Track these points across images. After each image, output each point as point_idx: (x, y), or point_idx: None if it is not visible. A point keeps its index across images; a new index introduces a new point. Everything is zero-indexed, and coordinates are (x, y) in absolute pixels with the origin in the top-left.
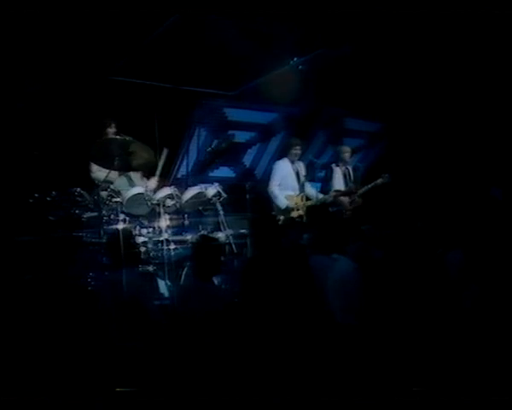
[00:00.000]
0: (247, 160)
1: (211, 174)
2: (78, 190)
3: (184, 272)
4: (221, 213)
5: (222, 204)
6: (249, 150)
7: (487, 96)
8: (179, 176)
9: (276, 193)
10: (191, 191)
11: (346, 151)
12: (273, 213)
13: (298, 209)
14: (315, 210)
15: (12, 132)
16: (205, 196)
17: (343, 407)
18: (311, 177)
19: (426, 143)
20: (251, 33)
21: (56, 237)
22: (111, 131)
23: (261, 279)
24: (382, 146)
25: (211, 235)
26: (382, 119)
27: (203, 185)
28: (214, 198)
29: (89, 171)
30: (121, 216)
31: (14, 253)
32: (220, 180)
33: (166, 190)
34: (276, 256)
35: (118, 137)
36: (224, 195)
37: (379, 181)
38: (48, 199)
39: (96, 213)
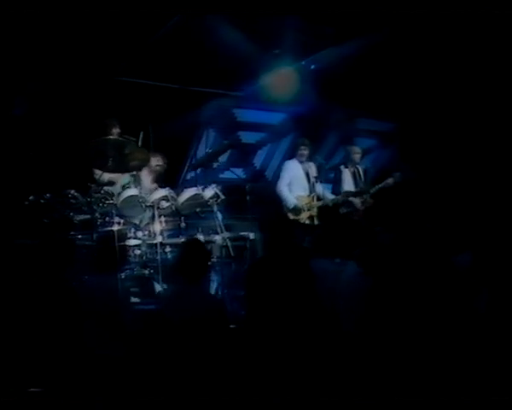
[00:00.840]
0: (258, 161)
1: (221, 175)
2: (72, 192)
3: None
4: (218, 215)
5: (220, 206)
6: (259, 151)
7: (499, 98)
8: (188, 177)
9: (284, 192)
10: (187, 193)
11: (357, 152)
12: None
13: (309, 210)
14: (327, 211)
15: (8, 133)
16: (202, 197)
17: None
18: (320, 179)
19: (437, 144)
20: (260, 33)
21: (51, 239)
22: (115, 131)
23: (265, 282)
24: (394, 147)
25: (197, 237)
26: (394, 119)
27: (200, 187)
28: (211, 200)
29: (92, 172)
30: (116, 219)
31: (10, 256)
32: (229, 181)
33: (161, 192)
34: (280, 259)
35: (111, 137)
36: (222, 196)
37: (390, 181)
38: (42, 201)
39: (89, 216)
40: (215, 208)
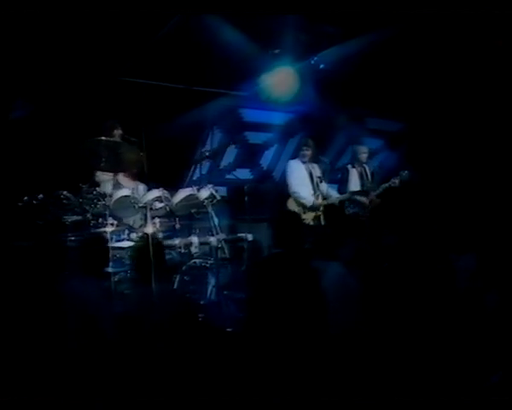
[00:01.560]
0: (265, 161)
1: (227, 176)
2: (65, 193)
3: (178, 279)
4: (214, 216)
5: (215, 207)
6: (266, 152)
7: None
8: (195, 178)
9: (300, 192)
10: (181, 194)
11: (363, 151)
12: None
13: (315, 210)
14: (333, 209)
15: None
16: (196, 198)
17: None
18: (326, 178)
19: (444, 145)
20: (265, 32)
21: (46, 241)
22: (117, 132)
23: (274, 280)
24: (402, 148)
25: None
26: (403, 119)
27: (195, 187)
28: (207, 201)
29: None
30: (110, 220)
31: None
32: (236, 182)
33: (155, 193)
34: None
35: (103, 138)
36: (218, 197)
37: (396, 180)
38: (35, 202)
39: (80, 218)
40: (210, 209)
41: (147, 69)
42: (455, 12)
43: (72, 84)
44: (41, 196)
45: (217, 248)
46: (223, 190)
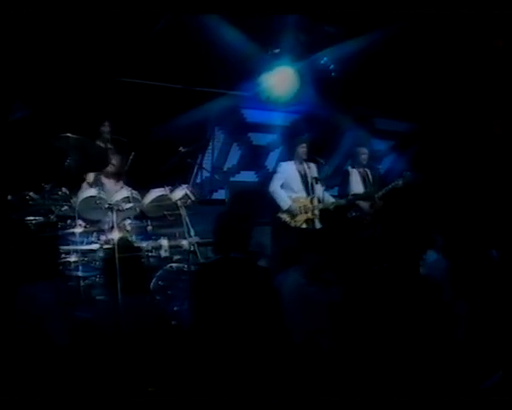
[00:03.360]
0: (270, 163)
1: (232, 178)
2: (31, 193)
3: (153, 283)
4: (186, 218)
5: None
6: (271, 153)
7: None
8: (198, 180)
9: (277, 193)
10: (152, 194)
11: (363, 153)
12: (279, 215)
13: (306, 212)
14: (327, 214)
15: None
16: (169, 199)
17: None
18: (323, 181)
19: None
20: (268, 32)
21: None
22: (105, 130)
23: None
24: (409, 150)
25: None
26: (414, 119)
27: (168, 187)
28: (180, 202)
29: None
30: (79, 222)
31: None
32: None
33: (122, 193)
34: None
35: (70, 135)
36: (193, 198)
37: (400, 182)
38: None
39: (47, 219)
40: (183, 211)
41: (147, 70)
42: (455, 12)
43: (64, 84)
44: (9, 197)
45: (189, 252)
46: (222, 193)
